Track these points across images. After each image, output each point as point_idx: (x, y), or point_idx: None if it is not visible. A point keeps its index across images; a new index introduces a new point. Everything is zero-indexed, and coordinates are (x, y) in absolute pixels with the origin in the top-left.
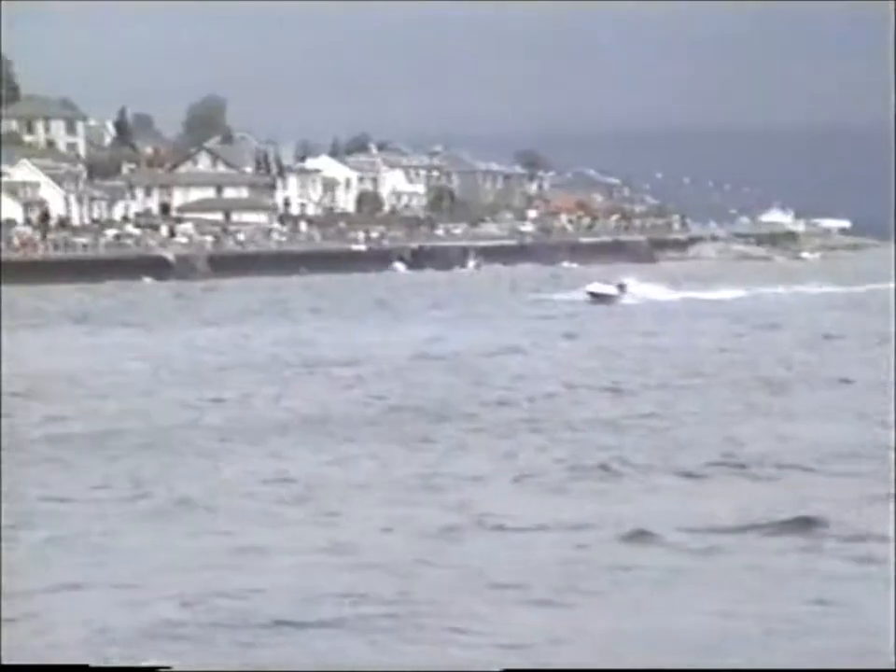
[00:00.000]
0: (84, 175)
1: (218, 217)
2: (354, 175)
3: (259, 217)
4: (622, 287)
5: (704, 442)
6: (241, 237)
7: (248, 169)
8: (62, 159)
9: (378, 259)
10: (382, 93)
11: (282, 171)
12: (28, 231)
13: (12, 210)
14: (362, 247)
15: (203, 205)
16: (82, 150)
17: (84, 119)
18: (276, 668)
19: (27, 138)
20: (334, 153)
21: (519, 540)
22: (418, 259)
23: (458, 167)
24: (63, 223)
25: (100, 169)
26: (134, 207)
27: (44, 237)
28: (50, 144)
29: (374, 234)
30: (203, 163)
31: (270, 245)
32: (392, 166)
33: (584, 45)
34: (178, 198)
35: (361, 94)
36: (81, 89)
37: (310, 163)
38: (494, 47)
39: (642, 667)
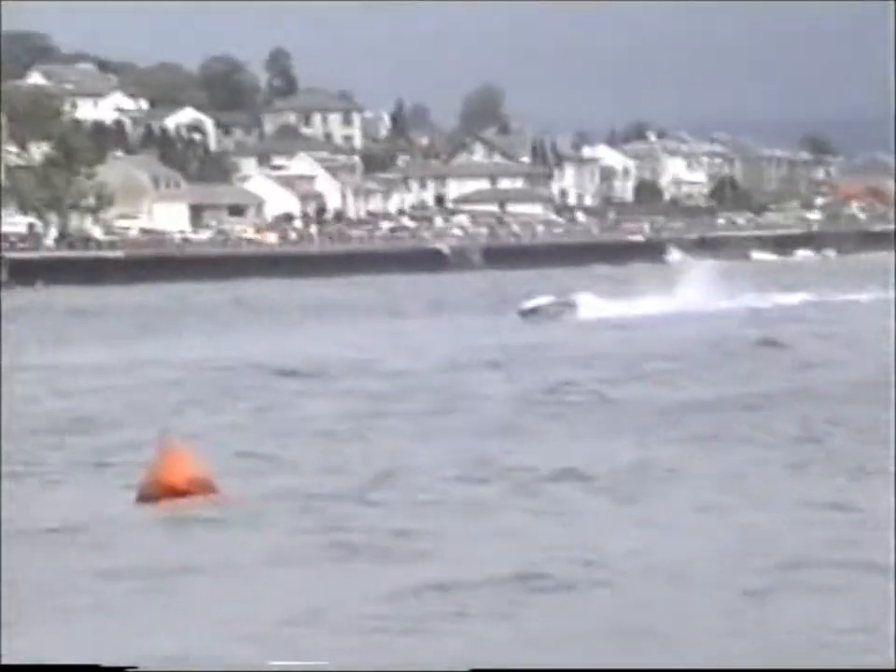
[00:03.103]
0: (360, 167)
1: (493, 208)
2: (632, 164)
3: (535, 208)
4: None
5: None
6: (515, 228)
7: (524, 159)
8: (338, 151)
9: (657, 250)
10: (661, 79)
11: (558, 160)
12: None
13: (289, 203)
14: (640, 238)
15: (478, 197)
16: (358, 142)
17: (361, 110)
18: None
19: (305, 131)
20: (612, 142)
21: None
22: (699, 250)
23: (741, 154)
24: (339, 216)
25: (376, 161)
26: (410, 199)
27: (320, 230)
28: (327, 136)
29: (653, 224)
30: (479, 154)
31: (545, 237)
32: (672, 154)
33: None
34: (453, 189)
35: (640, 81)
36: (358, 80)
37: (587, 152)
38: (776, 26)
39: (642, 667)
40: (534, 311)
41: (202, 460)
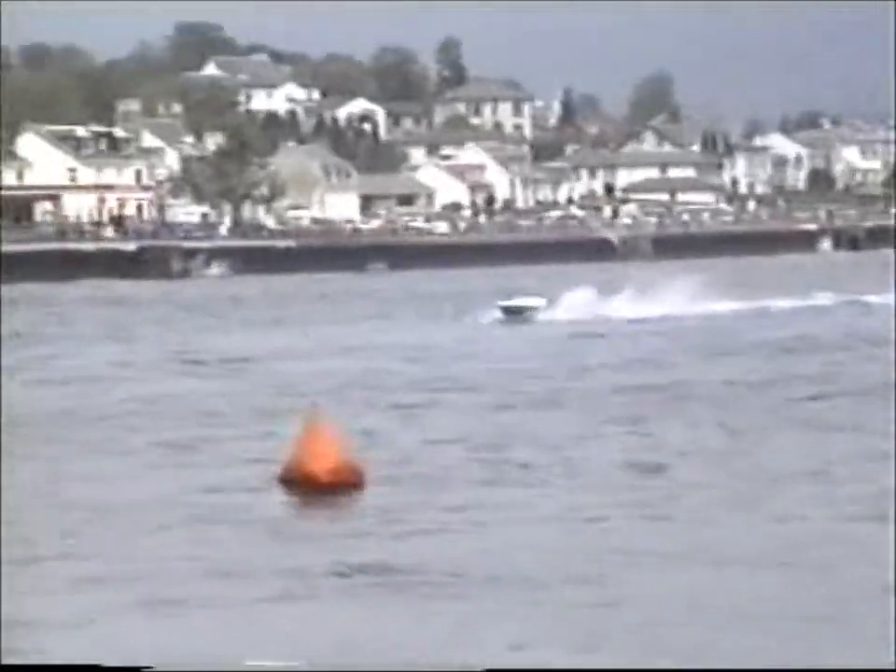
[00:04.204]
0: (529, 156)
1: (663, 197)
2: (805, 152)
3: (705, 197)
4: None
5: None
6: (685, 217)
7: (695, 148)
8: (507, 140)
9: (828, 238)
10: (835, 67)
11: (729, 149)
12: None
13: (459, 193)
14: (812, 227)
15: (647, 185)
16: (528, 132)
17: (531, 100)
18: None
19: (474, 120)
20: (785, 130)
21: None
22: (872, 240)
23: None
24: (508, 205)
25: (545, 150)
26: (579, 188)
27: (489, 220)
28: (497, 126)
29: (825, 213)
30: (649, 143)
31: (714, 226)
32: (846, 142)
33: None
34: (623, 178)
35: (814, 69)
36: (528, 69)
37: (759, 141)
38: None
39: (640, 667)
40: (516, 311)
41: (347, 442)
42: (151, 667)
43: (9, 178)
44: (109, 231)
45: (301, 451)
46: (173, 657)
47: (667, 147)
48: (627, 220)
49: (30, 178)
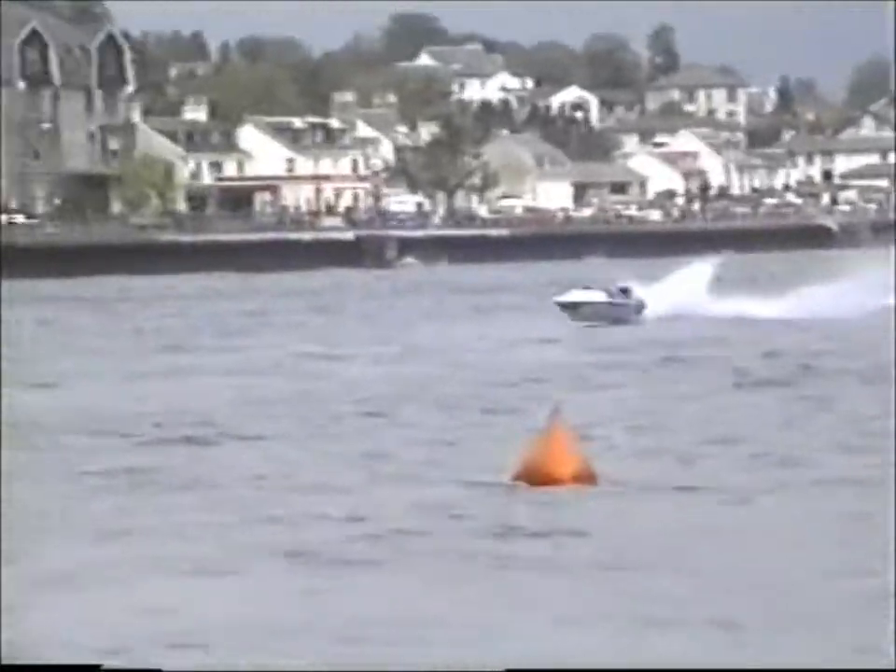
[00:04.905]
0: (743, 143)
1: (883, 183)
2: None
3: None
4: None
5: None
6: None
7: None
8: (721, 127)
9: None
10: None
11: None
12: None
13: (672, 180)
14: None
15: (867, 171)
16: (742, 118)
17: (745, 86)
18: None
19: (687, 107)
20: None
21: None
22: None
23: None
24: (723, 193)
25: (759, 137)
26: (795, 175)
27: (703, 208)
28: (710, 112)
29: None
30: (868, 128)
31: None
32: None
33: None
34: (841, 164)
35: None
36: (742, 56)
37: None
38: None
39: (644, 667)
40: (574, 307)
41: (580, 445)
42: (158, 668)
43: (230, 169)
44: (326, 221)
45: (542, 452)
46: None
47: (888, 132)
48: (846, 207)
49: (249, 169)
